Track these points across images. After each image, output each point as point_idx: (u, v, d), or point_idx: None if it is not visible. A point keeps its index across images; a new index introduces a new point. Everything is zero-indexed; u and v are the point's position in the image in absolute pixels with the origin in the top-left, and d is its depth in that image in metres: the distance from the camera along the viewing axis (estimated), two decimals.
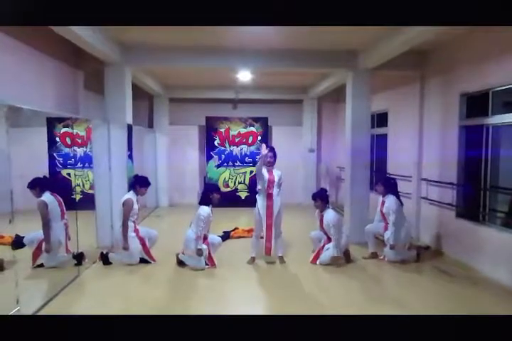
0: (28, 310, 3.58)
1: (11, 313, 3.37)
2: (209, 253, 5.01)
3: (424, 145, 6.35)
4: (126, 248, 4.96)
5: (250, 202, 9.79)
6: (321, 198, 5.20)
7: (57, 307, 3.80)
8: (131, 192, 5.18)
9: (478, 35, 4.88)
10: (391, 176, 5.63)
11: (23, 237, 4.93)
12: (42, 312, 3.65)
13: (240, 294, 4.26)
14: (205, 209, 4.93)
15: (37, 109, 4.20)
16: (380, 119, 7.95)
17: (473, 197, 5.26)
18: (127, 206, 4.97)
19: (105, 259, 5.14)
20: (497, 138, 4.96)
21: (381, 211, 5.40)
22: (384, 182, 5.52)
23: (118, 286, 4.45)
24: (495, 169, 4.95)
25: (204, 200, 5.04)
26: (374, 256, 5.41)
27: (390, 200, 5.27)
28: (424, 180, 6.26)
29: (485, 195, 5.08)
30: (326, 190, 5.41)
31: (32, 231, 4.89)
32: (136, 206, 5.09)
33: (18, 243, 4.91)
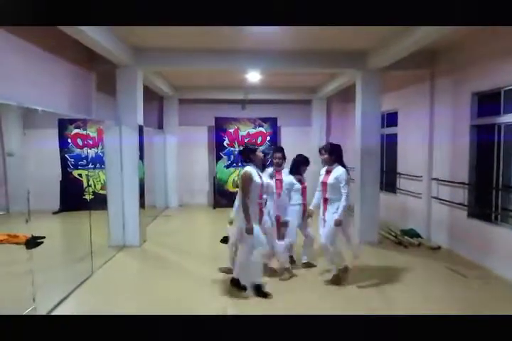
0: (43, 310, 3.64)
1: (27, 312, 3.44)
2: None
3: (434, 144, 6.32)
4: (249, 231, 4.04)
5: None
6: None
7: (70, 308, 3.87)
8: (249, 165, 4.37)
9: (488, 33, 4.85)
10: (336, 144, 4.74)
11: (38, 237, 5.00)
12: (56, 312, 3.72)
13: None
14: (288, 178, 4.90)
15: (52, 110, 4.26)
16: (390, 119, 7.93)
17: (485, 196, 5.23)
18: (244, 177, 4.18)
19: (237, 285, 4.22)
20: (509, 137, 4.93)
21: (324, 182, 4.53)
22: (331, 148, 4.57)
23: (130, 285, 4.50)
24: (507, 168, 4.92)
25: (292, 170, 5.00)
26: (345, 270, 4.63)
27: (340, 170, 4.44)
28: (435, 179, 6.23)
29: (497, 194, 5.06)
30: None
31: None
32: (257, 179, 4.18)
33: (32, 242, 4.98)
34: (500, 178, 4.96)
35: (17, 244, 5.16)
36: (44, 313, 3.61)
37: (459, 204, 5.55)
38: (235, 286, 4.20)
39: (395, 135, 7.64)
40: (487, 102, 5.22)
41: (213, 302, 3.99)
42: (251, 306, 3.91)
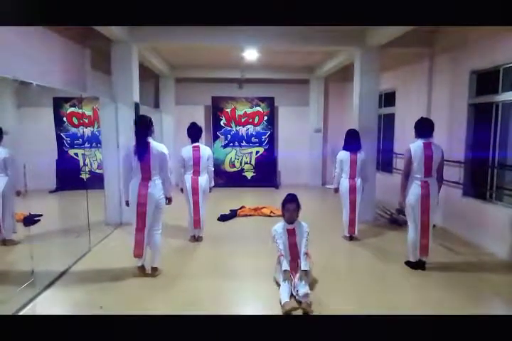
0: (42, 283, 3.70)
1: (26, 285, 3.48)
2: None
3: None
4: None
5: (256, 181, 9.97)
6: None
7: (70, 281, 3.92)
8: None
9: None
10: None
11: (35, 215, 5.03)
12: (55, 286, 3.78)
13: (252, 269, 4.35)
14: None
15: (46, 84, 4.20)
16: (388, 99, 7.88)
17: (481, 175, 5.26)
18: None
19: None
20: (507, 116, 4.92)
21: None
22: None
23: (127, 260, 4.54)
24: (504, 147, 4.94)
25: None
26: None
27: None
28: None
29: (492, 173, 5.08)
30: None
31: None
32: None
33: (29, 220, 5.01)
34: (497, 157, 4.98)
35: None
36: (43, 286, 3.66)
37: (455, 182, 5.58)
38: None
39: (393, 115, 7.61)
40: (485, 80, 5.19)
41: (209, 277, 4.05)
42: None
